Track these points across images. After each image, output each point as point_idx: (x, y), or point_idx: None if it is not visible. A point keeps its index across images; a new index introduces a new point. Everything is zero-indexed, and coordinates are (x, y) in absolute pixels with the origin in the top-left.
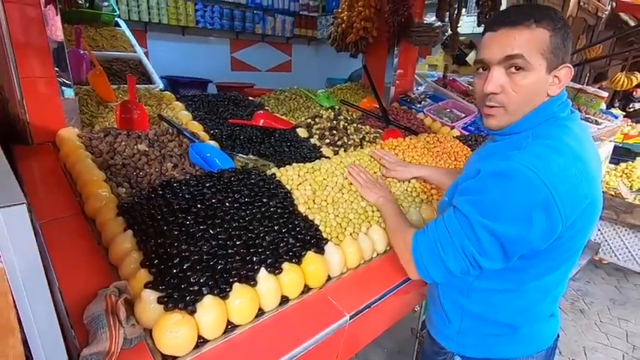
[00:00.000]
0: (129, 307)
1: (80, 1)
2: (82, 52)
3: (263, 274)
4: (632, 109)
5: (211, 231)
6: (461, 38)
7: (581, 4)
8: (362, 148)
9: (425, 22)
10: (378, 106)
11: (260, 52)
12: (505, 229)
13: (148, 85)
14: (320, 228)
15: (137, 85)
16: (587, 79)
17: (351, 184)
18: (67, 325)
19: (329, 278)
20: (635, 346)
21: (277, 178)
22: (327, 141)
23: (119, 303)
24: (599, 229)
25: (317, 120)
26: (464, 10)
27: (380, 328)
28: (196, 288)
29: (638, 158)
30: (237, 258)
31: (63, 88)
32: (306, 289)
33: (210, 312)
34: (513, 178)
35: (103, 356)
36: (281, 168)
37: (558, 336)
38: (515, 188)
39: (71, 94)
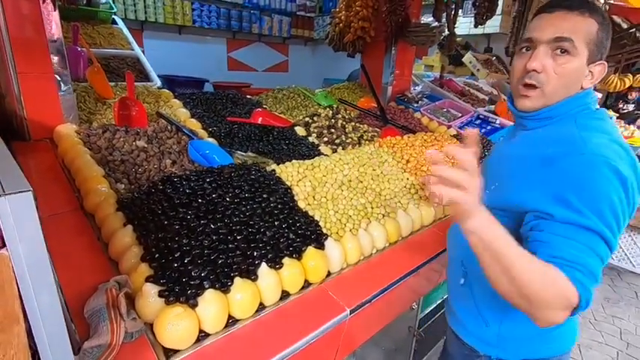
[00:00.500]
0: (129, 301)
1: None
2: (79, 49)
3: (264, 269)
4: (625, 111)
5: (212, 225)
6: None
7: None
8: (360, 146)
9: (422, 22)
10: (375, 105)
11: (257, 52)
12: (614, 237)
13: (145, 83)
14: (320, 224)
15: (135, 83)
16: None
17: (350, 180)
18: (67, 319)
19: (329, 274)
20: (629, 344)
21: (277, 175)
22: (326, 139)
23: (120, 296)
24: None
25: (315, 118)
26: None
27: (380, 324)
28: (197, 282)
29: None
30: (238, 253)
31: (61, 84)
32: (307, 284)
33: (211, 306)
34: (615, 175)
35: (105, 349)
36: (280, 165)
37: None
38: (616, 187)
39: (69, 90)
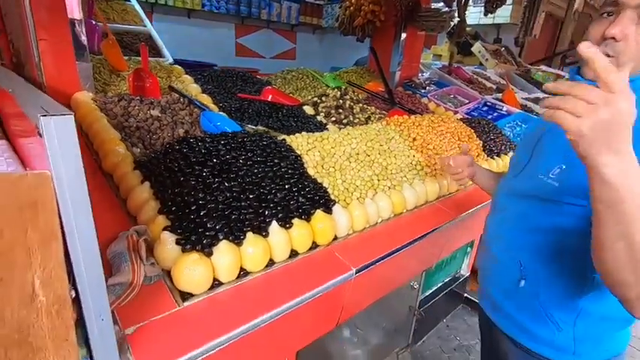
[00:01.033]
0: (148, 249)
1: None
2: (94, 22)
3: (274, 227)
4: None
5: (226, 184)
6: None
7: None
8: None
9: (432, 7)
10: (383, 89)
11: (265, 39)
12: None
13: (157, 59)
14: (328, 190)
15: (149, 58)
16: None
17: (358, 154)
18: None
19: (336, 238)
20: None
21: (287, 144)
22: (333, 119)
23: (140, 241)
24: None
25: (323, 99)
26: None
27: (383, 290)
28: (213, 233)
29: None
30: (251, 210)
31: (78, 52)
32: (314, 245)
33: (225, 256)
34: None
35: (127, 287)
36: (290, 135)
37: None
38: None
39: (86, 58)
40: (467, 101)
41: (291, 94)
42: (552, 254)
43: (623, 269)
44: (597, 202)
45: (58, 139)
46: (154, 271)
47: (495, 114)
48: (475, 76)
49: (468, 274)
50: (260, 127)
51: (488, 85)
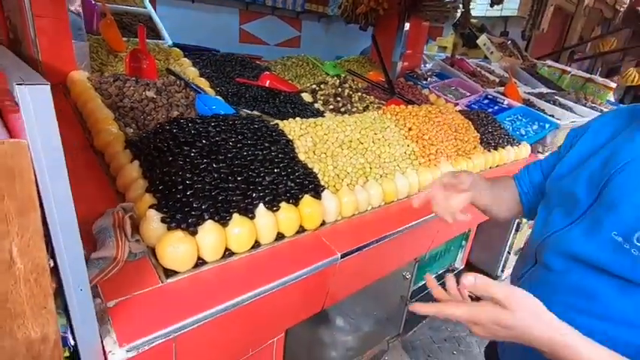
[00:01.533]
0: (134, 226)
1: None
2: (93, 2)
3: (261, 209)
4: None
5: (214, 165)
6: (473, 20)
7: None
8: None
9: None
10: (384, 79)
11: (269, 26)
12: None
13: (157, 41)
14: (318, 176)
15: (147, 40)
16: (598, 73)
17: (351, 141)
18: None
19: (324, 223)
20: None
21: (280, 128)
22: (331, 107)
23: (126, 218)
24: None
25: (322, 86)
26: None
27: (369, 278)
28: (198, 213)
29: None
30: (238, 192)
31: (75, 31)
32: (302, 229)
33: (210, 235)
34: None
35: (110, 262)
36: (284, 120)
37: None
38: None
39: (83, 38)
40: (468, 94)
41: (290, 81)
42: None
43: None
44: None
45: (33, 108)
46: (138, 247)
47: (496, 107)
48: (478, 69)
49: (462, 267)
50: (255, 112)
51: (492, 78)
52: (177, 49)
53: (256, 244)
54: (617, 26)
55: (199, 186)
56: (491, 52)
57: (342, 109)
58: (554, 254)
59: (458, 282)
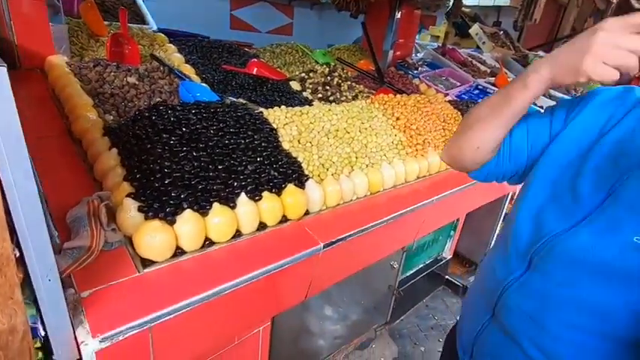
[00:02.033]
0: (110, 215)
1: None
2: None
3: (243, 199)
4: None
5: (194, 153)
6: (466, 9)
7: None
8: None
9: None
10: (374, 67)
11: (261, 12)
12: None
13: (141, 25)
14: (302, 165)
15: (130, 25)
16: None
17: (338, 130)
18: (50, 225)
19: (308, 213)
20: None
21: (264, 116)
22: (320, 96)
23: (101, 206)
24: None
25: (311, 75)
26: None
27: (353, 267)
28: (177, 202)
29: None
30: (219, 181)
31: (52, 13)
32: (285, 219)
33: (188, 224)
34: None
35: (85, 251)
36: (268, 108)
37: None
38: None
39: (60, 20)
40: (458, 84)
41: (278, 69)
42: None
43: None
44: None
45: None
46: (114, 237)
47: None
48: (470, 59)
49: (449, 257)
50: (242, 100)
51: (483, 68)
52: (163, 35)
53: (237, 234)
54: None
55: (178, 174)
56: (483, 42)
57: (331, 98)
58: (559, 262)
59: None
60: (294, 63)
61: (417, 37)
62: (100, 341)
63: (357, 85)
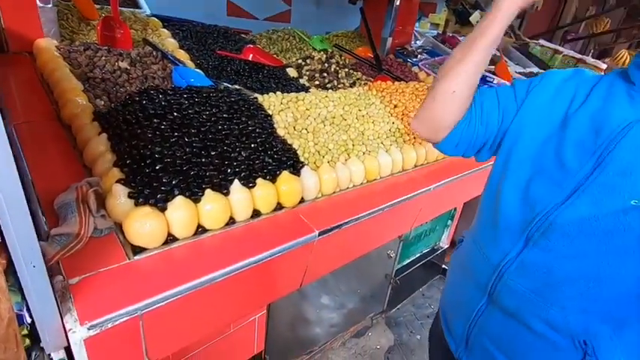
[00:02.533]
0: (100, 201)
1: None
2: None
3: (236, 186)
4: None
5: (186, 139)
6: None
7: None
8: None
9: None
10: (372, 55)
11: None
12: None
13: (134, 9)
14: (298, 152)
15: (122, 9)
16: (590, 55)
17: (334, 117)
18: (38, 212)
19: (303, 200)
20: None
21: (259, 103)
22: (317, 83)
23: (90, 192)
24: None
25: (308, 61)
26: None
27: (348, 256)
28: (168, 188)
29: None
30: (211, 167)
31: None
32: (279, 206)
33: (180, 210)
34: None
35: (73, 238)
36: (264, 94)
37: None
38: None
39: (49, 3)
40: None
41: (275, 55)
42: None
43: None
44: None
45: None
46: (104, 223)
47: (485, 86)
48: None
49: (446, 247)
50: (237, 87)
51: None
52: (156, 19)
53: (231, 221)
54: (611, 6)
55: (169, 160)
56: None
57: (328, 85)
58: (562, 234)
59: None
60: (291, 49)
61: (416, 24)
62: (89, 329)
63: (355, 73)
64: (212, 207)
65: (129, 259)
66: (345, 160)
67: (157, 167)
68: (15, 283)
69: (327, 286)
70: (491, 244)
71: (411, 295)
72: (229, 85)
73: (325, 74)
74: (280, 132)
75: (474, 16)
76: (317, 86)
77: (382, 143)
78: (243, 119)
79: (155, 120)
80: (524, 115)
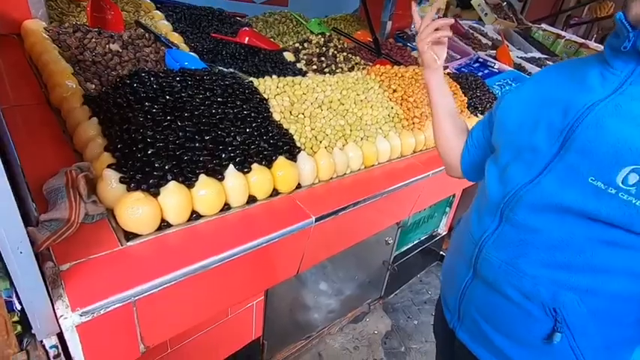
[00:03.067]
0: (91, 187)
1: None
2: None
3: (231, 171)
4: None
5: (179, 122)
6: None
7: None
8: None
9: None
10: (371, 38)
11: None
12: None
13: None
14: (294, 137)
15: None
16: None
17: (332, 102)
18: (27, 197)
19: (299, 186)
20: None
21: (255, 86)
22: (315, 67)
23: (79, 177)
24: None
25: (306, 45)
26: None
27: (346, 242)
28: (160, 173)
29: None
30: (205, 152)
31: None
32: (275, 192)
33: (173, 196)
34: None
35: (64, 224)
36: (259, 78)
37: None
38: None
39: None
40: (459, 56)
41: (272, 39)
42: (618, 307)
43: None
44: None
45: None
46: (96, 209)
47: (486, 71)
48: (471, 31)
49: (445, 233)
50: (230, 70)
51: (484, 41)
52: (149, 1)
53: (226, 207)
54: None
55: (162, 145)
56: (485, 14)
57: (326, 70)
58: (528, 210)
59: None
60: (288, 33)
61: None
62: (81, 315)
63: (354, 57)
64: (206, 192)
65: (121, 245)
66: (343, 145)
67: (150, 152)
68: (2, 269)
69: (324, 273)
70: (477, 222)
71: (409, 281)
72: (224, 69)
73: (323, 58)
74: (276, 116)
75: (475, 0)
76: (315, 70)
77: (380, 129)
78: (237, 103)
79: (147, 103)
80: (505, 106)
